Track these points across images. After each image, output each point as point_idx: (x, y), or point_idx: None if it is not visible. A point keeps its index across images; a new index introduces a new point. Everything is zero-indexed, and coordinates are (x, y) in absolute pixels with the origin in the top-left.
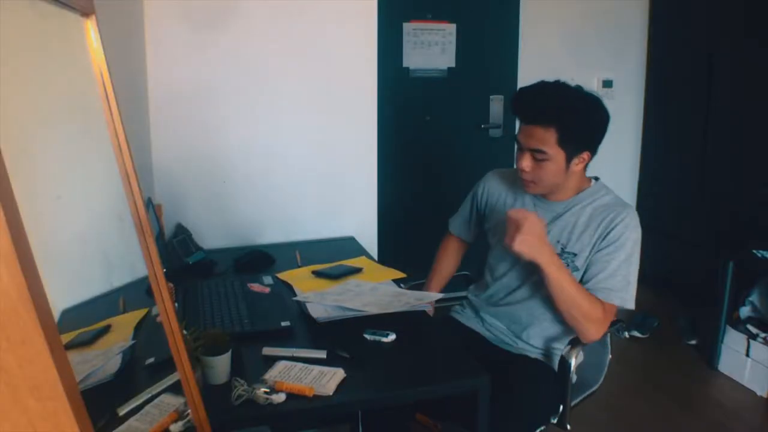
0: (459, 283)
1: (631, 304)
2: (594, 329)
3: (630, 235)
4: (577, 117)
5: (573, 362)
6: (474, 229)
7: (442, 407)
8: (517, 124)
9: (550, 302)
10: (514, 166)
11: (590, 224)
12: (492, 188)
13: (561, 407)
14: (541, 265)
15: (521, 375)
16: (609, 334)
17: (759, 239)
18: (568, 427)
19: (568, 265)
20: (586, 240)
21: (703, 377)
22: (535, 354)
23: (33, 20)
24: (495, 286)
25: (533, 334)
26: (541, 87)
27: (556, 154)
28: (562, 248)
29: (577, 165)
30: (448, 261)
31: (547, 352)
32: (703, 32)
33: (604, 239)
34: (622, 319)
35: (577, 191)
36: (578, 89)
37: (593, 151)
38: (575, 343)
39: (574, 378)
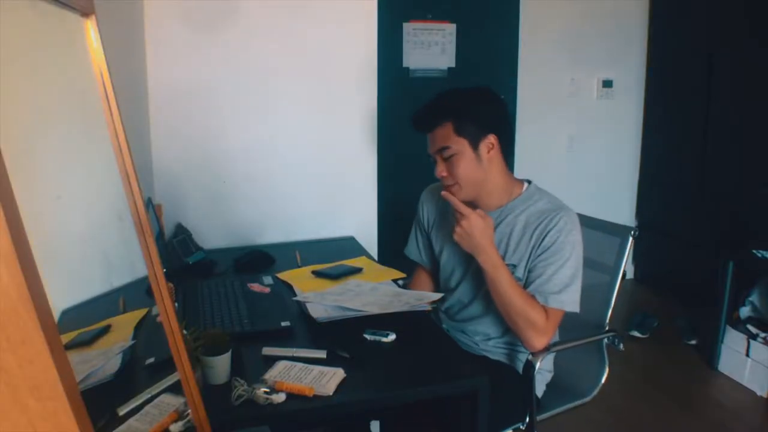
0: None
1: (570, 306)
2: (536, 336)
3: (565, 239)
4: (464, 104)
5: (538, 365)
6: (427, 252)
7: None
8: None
9: (497, 313)
10: None
11: (525, 232)
12: (429, 206)
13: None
14: (479, 261)
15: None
16: (605, 347)
17: (759, 239)
18: None
19: None
20: (522, 249)
21: (703, 377)
22: (497, 356)
23: (33, 20)
24: (450, 299)
25: (493, 343)
26: (431, 99)
27: (459, 144)
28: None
29: (488, 152)
30: (422, 285)
31: (511, 355)
32: (703, 32)
33: (539, 246)
34: (615, 330)
35: (509, 197)
36: (457, 87)
37: (500, 135)
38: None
39: (549, 377)
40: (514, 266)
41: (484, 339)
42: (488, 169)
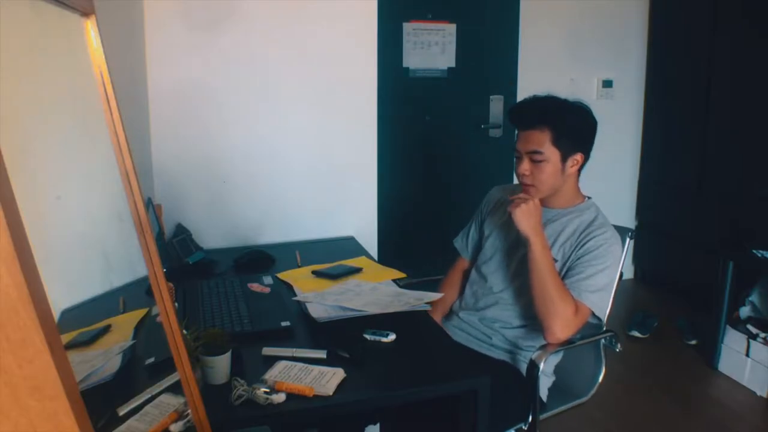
0: None
1: (599, 310)
2: (560, 326)
3: (609, 249)
4: (568, 118)
5: (542, 366)
6: (473, 245)
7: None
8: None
9: (524, 306)
10: (514, 180)
11: (573, 236)
12: (492, 199)
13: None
14: (530, 243)
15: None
16: (602, 347)
17: (759, 239)
18: None
19: None
20: (566, 249)
21: (703, 377)
22: (501, 356)
23: (33, 20)
24: (476, 285)
25: (511, 333)
26: (534, 98)
27: (551, 153)
28: None
29: (571, 167)
30: (458, 276)
31: (514, 355)
32: (703, 32)
33: (581, 248)
34: (613, 330)
35: (570, 204)
36: (567, 99)
37: (586, 154)
38: (546, 347)
39: (550, 382)
40: (555, 261)
41: (503, 327)
42: (566, 181)
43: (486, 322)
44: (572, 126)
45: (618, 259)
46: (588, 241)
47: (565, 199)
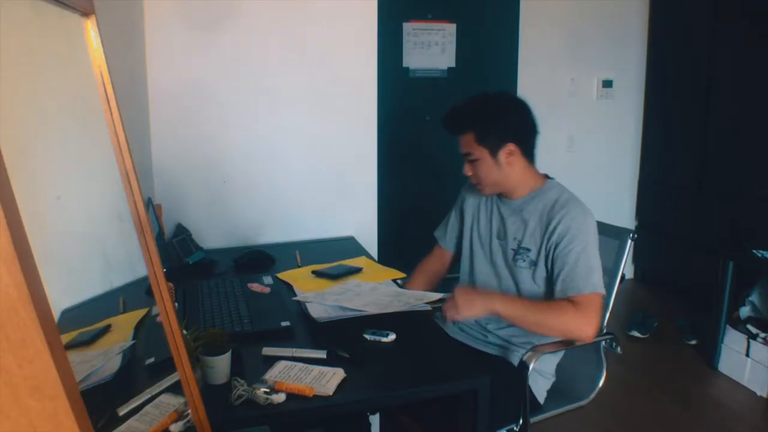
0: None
1: (600, 288)
2: (579, 329)
3: (579, 226)
4: (485, 117)
5: (532, 365)
6: (453, 236)
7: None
8: None
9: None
10: None
11: (540, 221)
12: (470, 191)
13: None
14: (492, 311)
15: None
16: (603, 350)
17: (759, 239)
18: None
19: (524, 260)
20: (537, 236)
21: (703, 377)
22: (498, 352)
23: (33, 20)
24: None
25: (497, 334)
26: (459, 105)
27: (480, 152)
28: (518, 244)
29: (506, 158)
30: (433, 263)
31: (510, 351)
32: (703, 32)
33: (553, 235)
34: (612, 333)
35: (530, 190)
36: (491, 93)
37: (518, 141)
38: (537, 348)
39: (549, 383)
40: (529, 250)
41: (496, 328)
42: (508, 172)
43: (481, 322)
44: (492, 122)
45: (594, 231)
46: (556, 224)
47: (522, 188)
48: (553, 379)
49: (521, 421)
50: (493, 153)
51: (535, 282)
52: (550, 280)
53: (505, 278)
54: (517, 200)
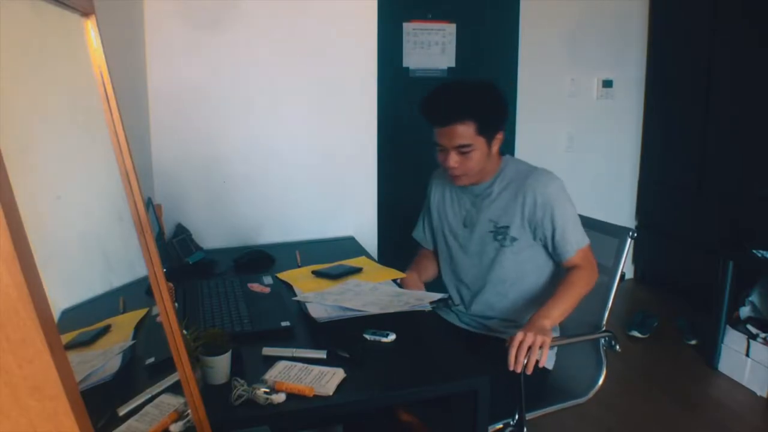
0: None
1: (586, 239)
2: (593, 282)
3: (551, 192)
4: (487, 105)
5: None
6: (431, 234)
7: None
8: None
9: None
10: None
11: (513, 196)
12: (434, 186)
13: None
14: (549, 328)
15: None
16: (603, 348)
17: (759, 239)
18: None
19: (504, 237)
20: (512, 210)
21: (703, 377)
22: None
23: (33, 20)
24: (459, 286)
25: (490, 325)
26: (444, 90)
27: (478, 142)
28: (494, 225)
29: (495, 146)
30: (426, 261)
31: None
32: (703, 32)
33: (534, 207)
34: (611, 330)
35: (493, 172)
36: (471, 80)
37: (504, 130)
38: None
39: (553, 354)
40: (508, 227)
41: (492, 318)
42: (492, 159)
43: (478, 318)
44: (492, 111)
45: (563, 188)
46: (533, 196)
47: (488, 171)
48: (554, 359)
49: (516, 417)
50: (489, 142)
51: (518, 256)
52: (541, 248)
53: (487, 264)
54: (482, 184)
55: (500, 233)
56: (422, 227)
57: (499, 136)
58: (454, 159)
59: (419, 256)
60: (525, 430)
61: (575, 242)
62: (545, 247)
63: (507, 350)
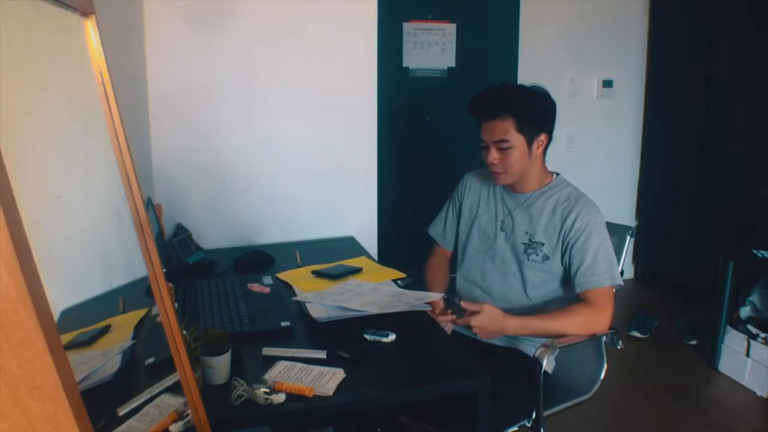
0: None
1: (619, 281)
2: (597, 324)
3: (595, 221)
4: (527, 103)
5: (544, 363)
6: (452, 233)
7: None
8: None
9: (516, 298)
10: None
11: (554, 215)
12: (469, 186)
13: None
14: (510, 333)
15: (492, 367)
16: (604, 345)
17: (759, 239)
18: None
19: (537, 254)
20: (551, 230)
21: (703, 377)
22: (509, 344)
23: (33, 20)
24: (474, 290)
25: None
26: (492, 88)
27: (517, 140)
28: (530, 238)
29: (537, 148)
30: (442, 261)
31: (521, 342)
32: (703, 32)
33: (571, 231)
34: (615, 327)
35: (540, 185)
36: (523, 85)
37: (549, 134)
38: (548, 345)
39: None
40: (542, 244)
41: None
42: (534, 162)
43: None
44: (532, 110)
45: (604, 224)
46: (574, 220)
47: (535, 181)
48: (554, 363)
49: (534, 416)
50: (529, 142)
51: (545, 275)
52: (566, 274)
53: (512, 273)
54: (526, 193)
55: (532, 247)
56: (443, 225)
57: (542, 139)
58: (494, 154)
59: (435, 265)
60: (542, 431)
61: (602, 276)
62: (567, 272)
63: (460, 313)
